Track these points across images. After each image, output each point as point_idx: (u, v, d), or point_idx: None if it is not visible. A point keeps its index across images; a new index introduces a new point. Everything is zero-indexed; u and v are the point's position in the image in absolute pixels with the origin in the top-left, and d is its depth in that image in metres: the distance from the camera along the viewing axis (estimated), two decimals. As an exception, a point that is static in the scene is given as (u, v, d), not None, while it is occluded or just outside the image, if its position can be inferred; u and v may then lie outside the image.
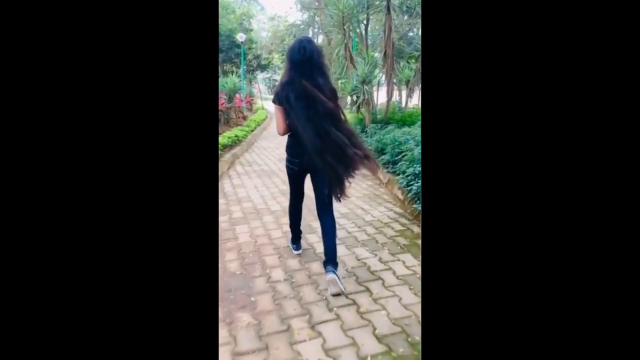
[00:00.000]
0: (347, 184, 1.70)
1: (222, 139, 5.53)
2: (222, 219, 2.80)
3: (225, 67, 18.49)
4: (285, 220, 2.76)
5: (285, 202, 2.91)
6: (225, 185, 3.84)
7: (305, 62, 1.67)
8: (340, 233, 2.52)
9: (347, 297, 1.73)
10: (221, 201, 3.28)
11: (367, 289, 1.80)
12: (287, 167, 1.92)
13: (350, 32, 6.85)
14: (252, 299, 1.73)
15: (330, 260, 1.77)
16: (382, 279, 1.91)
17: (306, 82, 1.62)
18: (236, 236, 2.48)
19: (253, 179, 4.17)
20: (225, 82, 8.81)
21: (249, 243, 2.37)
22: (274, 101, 1.78)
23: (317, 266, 2.04)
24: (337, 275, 1.72)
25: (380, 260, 2.13)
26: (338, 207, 3.09)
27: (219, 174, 4.27)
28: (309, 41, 1.74)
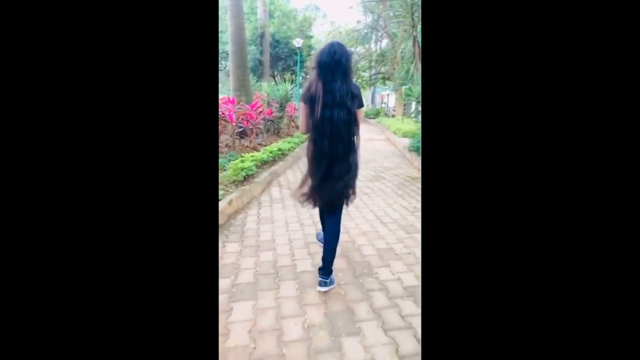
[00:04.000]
0: (348, 195, 1.81)
1: (263, 154, 4.71)
2: (222, 288, 1.87)
3: (285, 76, 18.21)
4: (313, 296, 1.78)
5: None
6: (248, 219, 2.95)
7: (332, 65, 1.67)
8: (404, 340, 1.43)
9: None
10: (233, 246, 2.38)
11: None
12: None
13: (419, 26, 5.66)
14: None
15: (324, 268, 1.83)
16: None
17: (331, 86, 1.66)
18: (228, 329, 1.53)
19: (287, 209, 3.23)
20: (277, 89, 8.18)
21: (242, 350, 1.40)
22: (301, 99, 1.79)
23: None
24: (327, 286, 1.82)
25: None
26: (380, 274, 2.00)
27: (249, 199, 3.43)
28: (340, 45, 1.74)
